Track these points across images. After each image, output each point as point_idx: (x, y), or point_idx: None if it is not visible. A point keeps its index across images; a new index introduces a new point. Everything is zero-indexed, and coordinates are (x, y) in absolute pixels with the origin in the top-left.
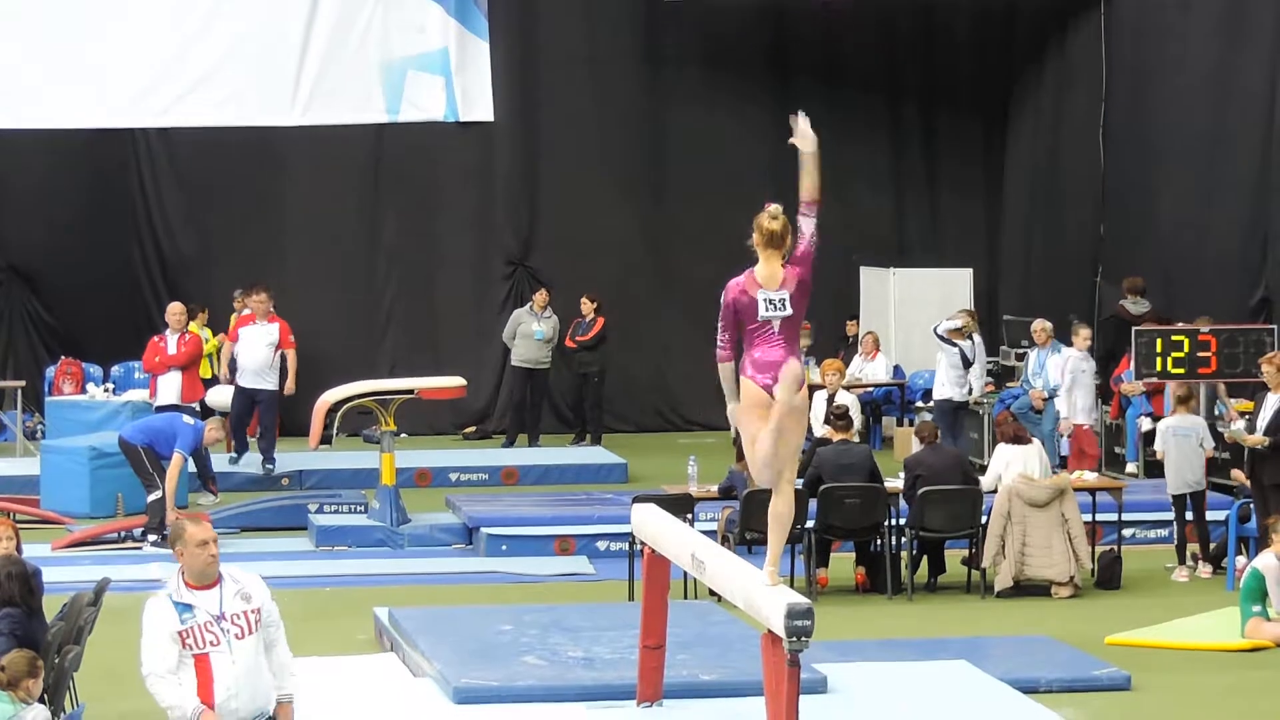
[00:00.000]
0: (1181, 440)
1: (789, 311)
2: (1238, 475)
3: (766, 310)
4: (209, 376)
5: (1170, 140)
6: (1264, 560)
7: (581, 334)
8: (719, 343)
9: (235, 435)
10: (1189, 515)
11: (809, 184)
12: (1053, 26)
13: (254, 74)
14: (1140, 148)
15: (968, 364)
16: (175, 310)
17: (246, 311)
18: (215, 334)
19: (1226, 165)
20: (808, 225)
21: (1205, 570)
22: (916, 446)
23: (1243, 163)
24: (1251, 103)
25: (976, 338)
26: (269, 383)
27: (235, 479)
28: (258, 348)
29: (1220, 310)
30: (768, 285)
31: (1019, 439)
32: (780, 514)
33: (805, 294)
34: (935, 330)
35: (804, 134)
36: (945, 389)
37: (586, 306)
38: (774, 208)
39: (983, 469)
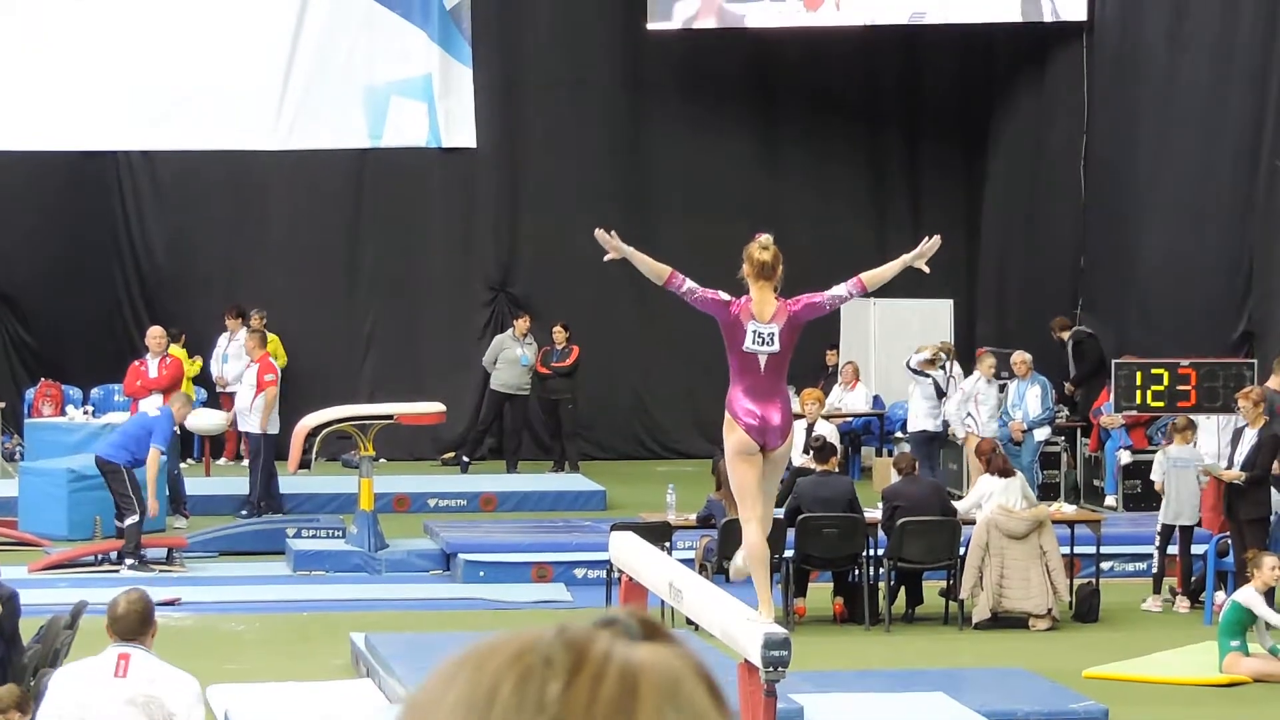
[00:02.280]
0: (1182, 471)
1: (776, 348)
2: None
3: (753, 343)
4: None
5: (1153, 172)
6: (1245, 594)
7: (556, 361)
8: (683, 277)
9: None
10: (1171, 549)
11: (879, 274)
12: (1034, 57)
13: (237, 98)
14: (1122, 180)
15: (941, 394)
16: (155, 334)
17: (226, 333)
18: (191, 356)
19: (1210, 198)
20: (841, 290)
21: (1184, 604)
22: (895, 478)
23: (1226, 195)
24: (1237, 134)
25: (956, 367)
26: (252, 425)
27: (213, 502)
28: (245, 388)
29: (1202, 344)
30: (759, 317)
31: (1005, 472)
32: (755, 555)
33: (795, 332)
34: (907, 364)
35: (922, 255)
36: (919, 420)
37: (559, 334)
38: (764, 238)
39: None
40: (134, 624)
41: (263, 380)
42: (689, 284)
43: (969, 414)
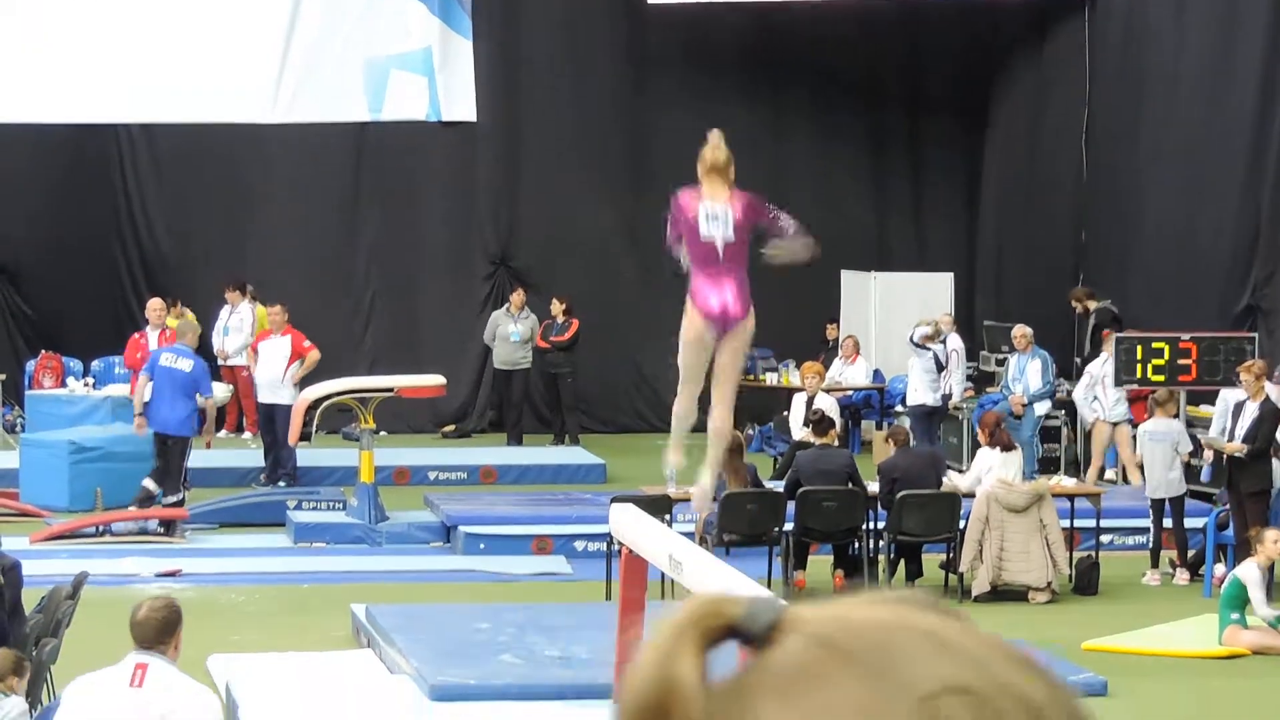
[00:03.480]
0: (1157, 445)
1: (732, 237)
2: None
3: (708, 227)
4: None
5: (1156, 145)
6: (1246, 569)
7: (555, 334)
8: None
9: (266, 454)
10: (1167, 522)
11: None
12: (1035, 29)
13: (237, 72)
14: (1124, 152)
15: (940, 368)
16: (155, 306)
17: (228, 306)
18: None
19: (1214, 170)
20: (787, 220)
21: (1183, 577)
22: (891, 452)
23: (1231, 168)
24: (1242, 105)
25: (955, 340)
26: (283, 397)
27: (213, 475)
28: (271, 362)
29: (1205, 319)
30: (710, 197)
31: (1007, 446)
32: (716, 431)
33: (751, 225)
34: (910, 339)
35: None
36: (919, 394)
37: (557, 307)
38: (715, 136)
39: (962, 471)
40: (152, 632)
41: (301, 348)
42: (670, 234)
43: (1095, 397)
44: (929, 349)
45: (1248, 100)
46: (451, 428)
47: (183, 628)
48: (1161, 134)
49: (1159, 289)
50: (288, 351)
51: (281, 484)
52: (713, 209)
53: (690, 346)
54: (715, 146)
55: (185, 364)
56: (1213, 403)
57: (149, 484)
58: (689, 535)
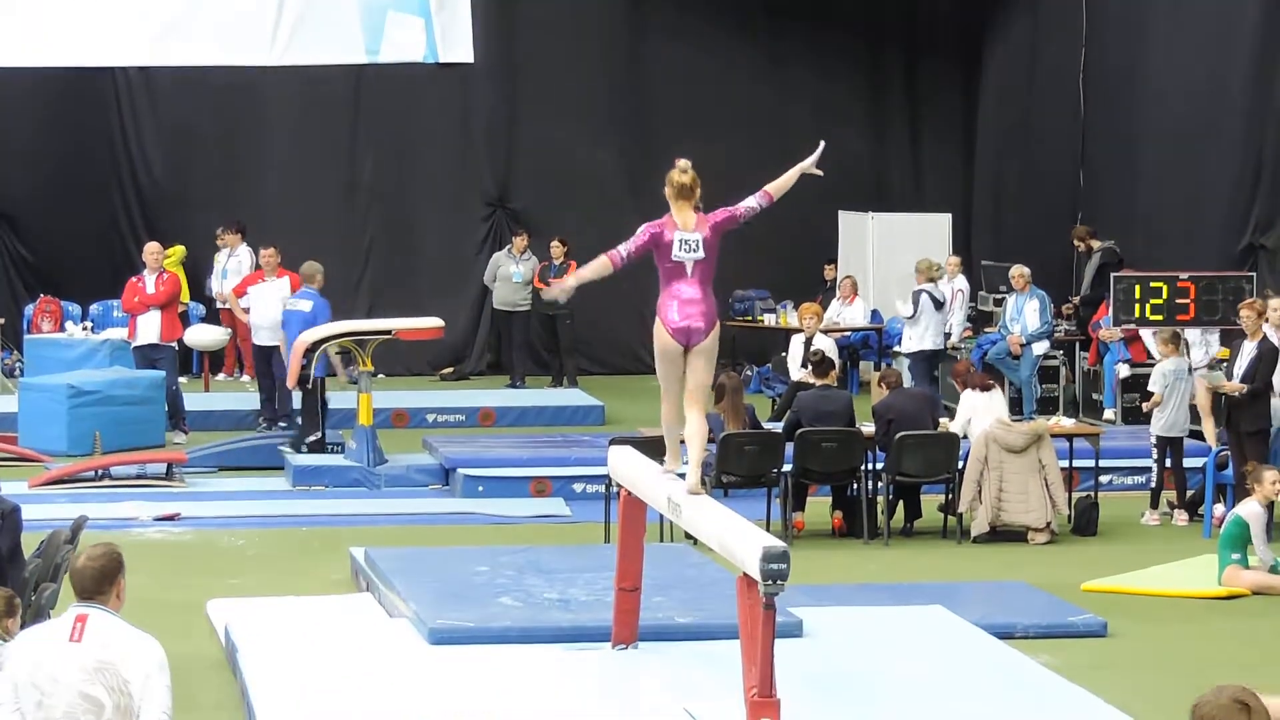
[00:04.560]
0: (1176, 383)
1: (702, 255)
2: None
3: (680, 250)
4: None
5: (1156, 84)
6: (1247, 508)
7: (554, 276)
8: (617, 250)
9: (264, 396)
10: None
11: (782, 184)
12: None
13: (234, 14)
14: (1123, 92)
15: (939, 306)
16: (152, 250)
17: (225, 249)
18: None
19: (1215, 110)
20: (752, 202)
21: (1182, 518)
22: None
23: (1232, 107)
24: (1244, 44)
25: (961, 280)
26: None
27: (211, 418)
28: (270, 304)
29: (1204, 258)
30: (683, 228)
31: (984, 386)
32: (693, 434)
33: (716, 240)
34: (924, 291)
35: (813, 160)
36: (918, 340)
37: (557, 250)
38: (683, 163)
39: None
40: (91, 581)
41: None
42: (624, 249)
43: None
44: (925, 292)
45: (1250, 38)
46: (449, 370)
47: (124, 575)
48: (1162, 73)
49: (1158, 228)
50: (286, 293)
51: (283, 425)
52: (686, 238)
53: (663, 361)
54: (683, 170)
55: (305, 305)
56: None
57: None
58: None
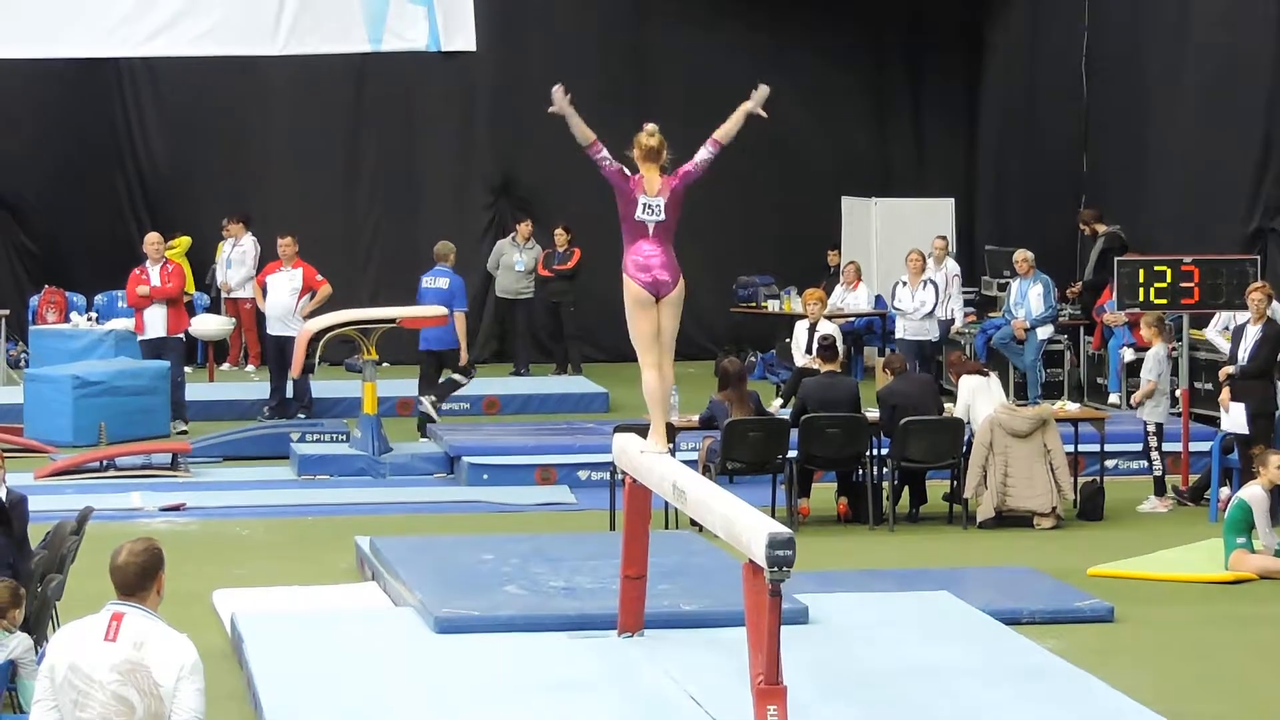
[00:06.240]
0: (1169, 368)
1: (663, 217)
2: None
3: (643, 213)
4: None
5: (1161, 67)
6: (1250, 491)
7: (558, 263)
8: (604, 150)
9: (274, 386)
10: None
11: (728, 128)
12: None
13: (237, 4)
14: (1127, 75)
15: (936, 294)
16: (153, 240)
17: (230, 239)
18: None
19: (1223, 92)
20: (704, 154)
21: (1165, 504)
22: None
23: (1241, 89)
24: (1252, 23)
25: (952, 264)
26: (294, 329)
27: (216, 407)
28: (282, 294)
29: (1210, 242)
30: (648, 192)
31: (980, 371)
32: (651, 390)
33: (678, 204)
34: (930, 279)
35: (758, 101)
36: (914, 329)
37: (561, 237)
38: (650, 126)
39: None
40: (131, 578)
41: (314, 281)
42: (604, 154)
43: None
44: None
45: (1260, 20)
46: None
47: (164, 570)
48: (1167, 56)
49: (1163, 212)
50: (299, 284)
51: (301, 416)
52: (649, 202)
53: (636, 312)
54: (650, 134)
55: (442, 281)
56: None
57: (425, 403)
58: (692, 464)
